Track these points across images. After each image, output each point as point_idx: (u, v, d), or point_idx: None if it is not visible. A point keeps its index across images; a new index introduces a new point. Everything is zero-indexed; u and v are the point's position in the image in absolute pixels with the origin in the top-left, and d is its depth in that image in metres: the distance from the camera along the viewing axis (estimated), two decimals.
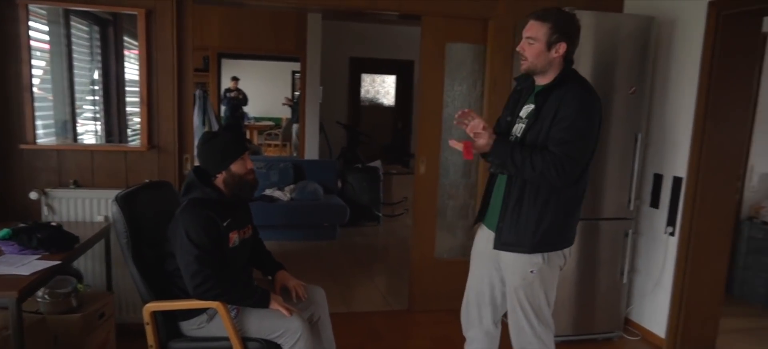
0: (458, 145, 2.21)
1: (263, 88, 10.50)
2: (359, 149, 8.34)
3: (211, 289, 2.26)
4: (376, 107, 9.47)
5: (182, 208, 2.33)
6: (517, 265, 2.30)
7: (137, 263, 2.36)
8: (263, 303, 2.36)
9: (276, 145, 9.69)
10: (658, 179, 3.63)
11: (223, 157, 2.37)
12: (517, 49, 2.27)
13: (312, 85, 6.99)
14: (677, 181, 3.48)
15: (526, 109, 2.32)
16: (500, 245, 2.33)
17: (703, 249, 3.42)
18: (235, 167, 2.38)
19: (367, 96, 9.43)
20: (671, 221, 3.51)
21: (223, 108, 8.38)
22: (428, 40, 3.85)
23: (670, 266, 3.51)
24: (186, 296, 2.37)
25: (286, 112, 10.61)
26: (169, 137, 3.45)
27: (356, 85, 9.24)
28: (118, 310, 3.26)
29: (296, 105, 8.87)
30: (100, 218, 3.26)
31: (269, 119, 10.79)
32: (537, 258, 2.29)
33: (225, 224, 2.34)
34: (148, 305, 2.36)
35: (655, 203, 3.65)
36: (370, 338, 3.57)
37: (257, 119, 10.53)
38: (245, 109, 9.10)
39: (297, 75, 10.39)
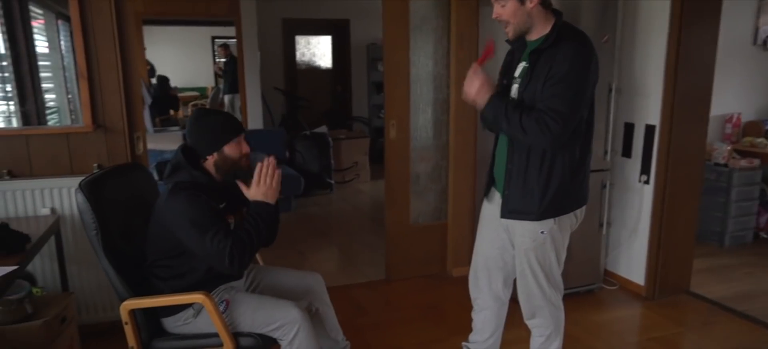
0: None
1: (182, 57, 9.88)
2: (300, 115, 8.04)
3: (244, 252, 2.01)
4: (313, 71, 9.09)
5: (169, 193, 2.04)
6: (526, 228, 2.21)
7: (110, 258, 2.08)
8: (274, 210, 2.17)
9: None
10: (629, 128, 3.64)
11: (216, 138, 2.10)
12: (494, 17, 2.14)
13: (250, 50, 6.55)
14: (650, 129, 3.49)
15: (520, 69, 2.20)
16: (507, 213, 2.24)
17: (678, 195, 3.48)
18: (229, 150, 2.11)
19: (303, 59, 9.02)
20: (645, 170, 3.53)
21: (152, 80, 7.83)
22: None
23: (646, 214, 3.55)
24: (169, 289, 2.13)
25: (210, 81, 10.07)
26: (115, 115, 3.07)
27: (291, 48, 8.81)
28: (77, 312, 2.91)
29: (225, 73, 8.43)
30: (46, 211, 2.87)
31: (192, 89, 10.22)
32: (548, 221, 2.20)
33: (221, 207, 2.10)
34: (125, 302, 2.09)
35: (627, 153, 3.66)
36: (355, 313, 3.39)
37: (179, 90, 9.96)
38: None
39: (218, 41, 9.91)
